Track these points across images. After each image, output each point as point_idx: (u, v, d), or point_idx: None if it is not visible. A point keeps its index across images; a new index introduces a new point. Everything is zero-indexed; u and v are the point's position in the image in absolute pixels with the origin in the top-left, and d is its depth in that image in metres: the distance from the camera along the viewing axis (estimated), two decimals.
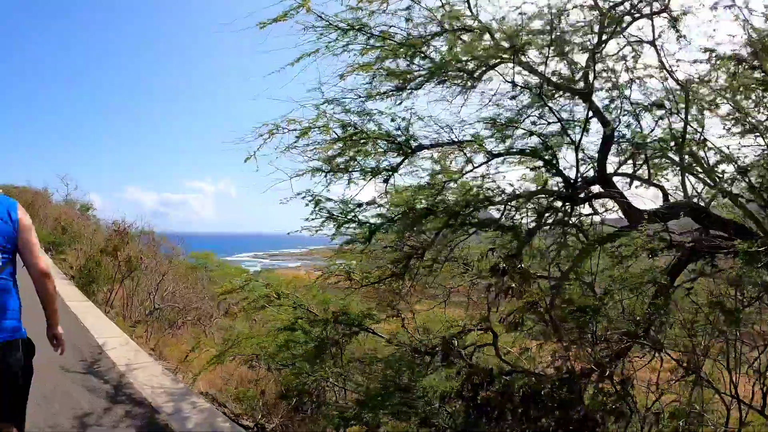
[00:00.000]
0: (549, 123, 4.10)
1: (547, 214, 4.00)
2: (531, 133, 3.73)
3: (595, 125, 4.05)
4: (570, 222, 3.73)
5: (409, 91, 3.67)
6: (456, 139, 3.62)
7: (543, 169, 3.74)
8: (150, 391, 3.91)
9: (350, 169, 3.89)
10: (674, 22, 3.56)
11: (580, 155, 3.86)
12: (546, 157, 3.63)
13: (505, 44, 3.46)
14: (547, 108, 3.99)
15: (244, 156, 4.48)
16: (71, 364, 4.27)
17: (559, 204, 3.91)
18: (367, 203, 3.72)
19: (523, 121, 4.04)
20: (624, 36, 3.90)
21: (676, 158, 3.79)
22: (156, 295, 9.01)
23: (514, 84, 3.56)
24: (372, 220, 3.79)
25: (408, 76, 3.58)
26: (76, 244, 10.45)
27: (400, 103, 3.69)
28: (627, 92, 3.93)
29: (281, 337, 4.70)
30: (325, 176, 4.18)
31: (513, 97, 3.72)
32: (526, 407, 3.79)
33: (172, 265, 9.66)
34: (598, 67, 3.85)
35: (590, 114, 3.86)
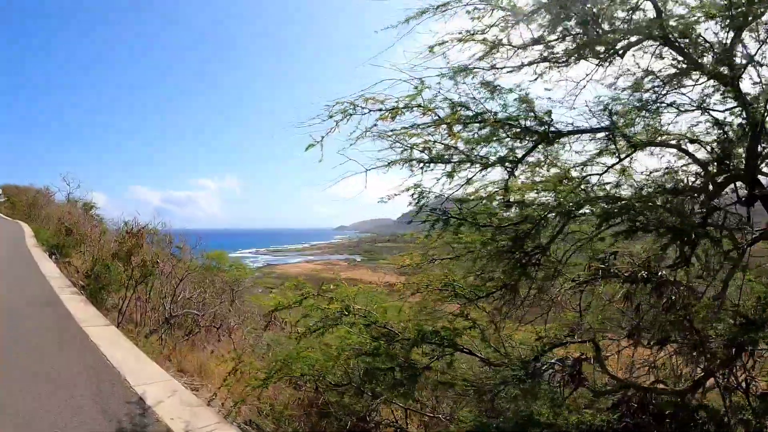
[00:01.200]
0: (681, 111, 3.45)
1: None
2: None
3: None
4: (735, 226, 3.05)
5: (548, 65, 2.92)
6: (607, 125, 2.89)
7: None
8: None
9: (466, 159, 3.15)
10: None
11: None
12: (717, 153, 2.93)
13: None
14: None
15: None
16: None
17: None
18: (515, 202, 2.96)
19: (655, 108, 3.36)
20: None
21: None
22: (171, 301, 8.20)
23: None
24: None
25: (551, 43, 2.84)
26: (82, 247, 9.53)
27: (536, 79, 2.94)
28: None
29: (360, 362, 3.93)
30: (422, 167, 3.46)
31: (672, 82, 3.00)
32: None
33: (189, 268, 8.82)
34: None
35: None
